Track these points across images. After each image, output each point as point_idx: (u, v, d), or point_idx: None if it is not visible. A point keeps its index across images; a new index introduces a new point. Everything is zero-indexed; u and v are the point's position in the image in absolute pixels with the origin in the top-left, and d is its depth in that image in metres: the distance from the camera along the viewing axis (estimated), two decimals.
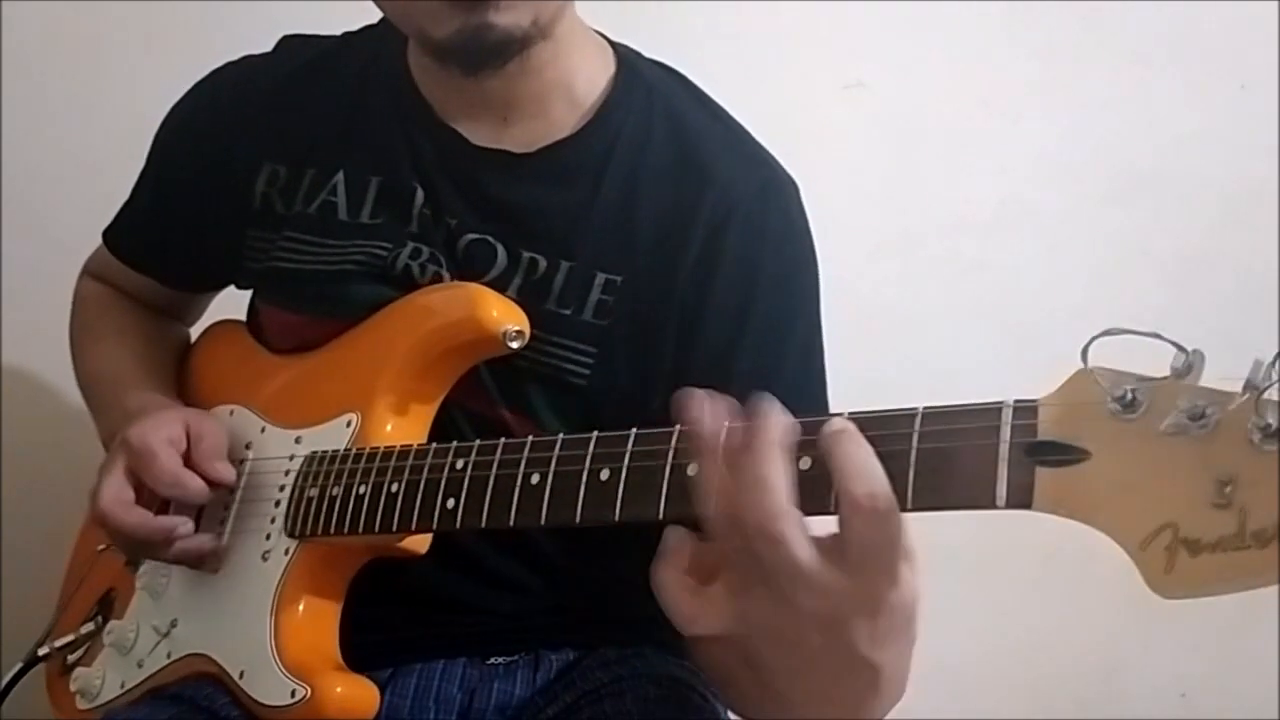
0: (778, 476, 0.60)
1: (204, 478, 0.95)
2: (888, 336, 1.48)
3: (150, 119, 1.13)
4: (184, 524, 0.94)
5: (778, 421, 0.62)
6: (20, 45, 1.50)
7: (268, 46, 1.11)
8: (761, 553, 0.60)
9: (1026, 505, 0.58)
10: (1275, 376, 0.50)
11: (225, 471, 0.96)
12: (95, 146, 1.50)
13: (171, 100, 1.13)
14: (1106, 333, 0.55)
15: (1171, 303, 1.46)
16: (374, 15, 1.01)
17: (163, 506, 0.97)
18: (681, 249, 0.97)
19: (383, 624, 0.99)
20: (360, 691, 0.91)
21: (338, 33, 1.09)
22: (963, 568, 1.48)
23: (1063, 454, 0.57)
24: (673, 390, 0.95)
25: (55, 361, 1.29)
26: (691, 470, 0.67)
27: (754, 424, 0.62)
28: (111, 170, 1.19)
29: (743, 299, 0.98)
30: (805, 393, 1.02)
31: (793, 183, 1.04)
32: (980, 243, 1.50)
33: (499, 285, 0.97)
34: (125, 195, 1.17)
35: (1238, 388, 0.53)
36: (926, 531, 1.53)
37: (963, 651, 1.51)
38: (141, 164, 1.15)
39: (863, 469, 0.59)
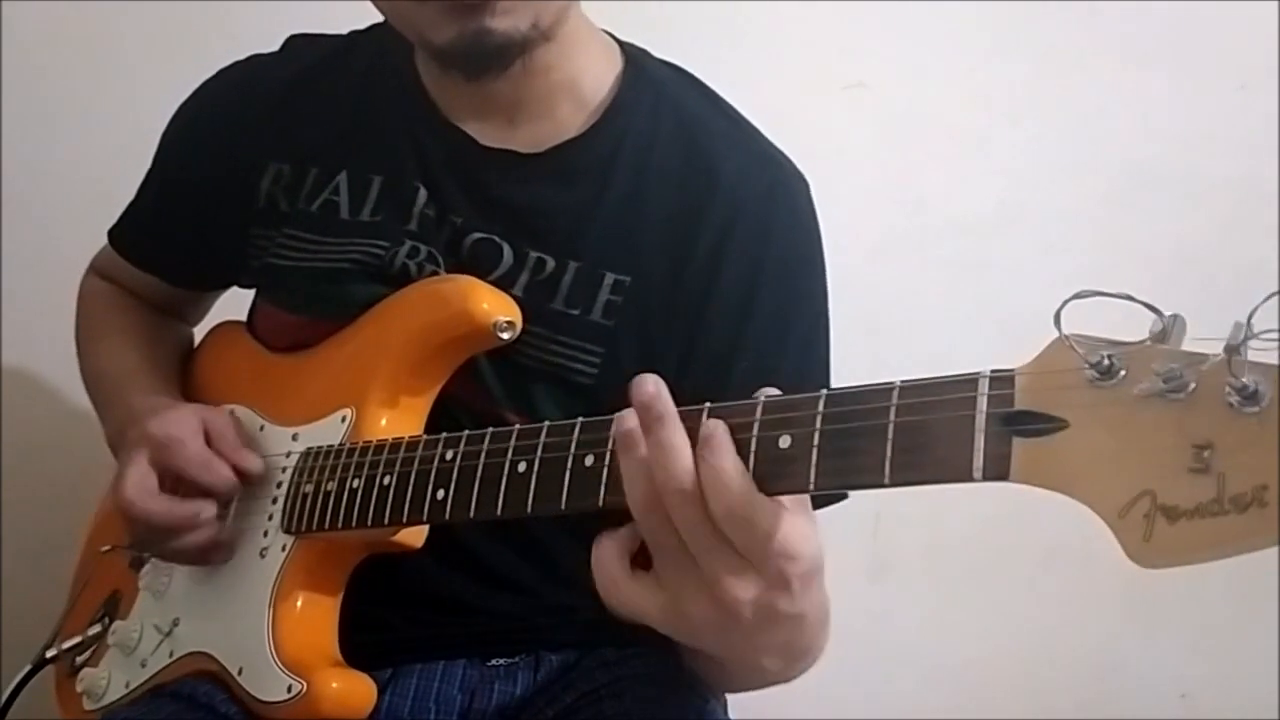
0: (683, 443, 0.65)
1: (234, 468, 0.96)
2: (888, 337, 1.47)
3: (150, 119, 1.14)
4: (208, 508, 0.95)
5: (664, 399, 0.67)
6: (20, 45, 1.51)
7: (268, 47, 1.12)
8: (681, 520, 0.65)
9: (1004, 476, 0.58)
10: (1243, 336, 0.50)
11: (254, 462, 0.97)
12: (95, 146, 1.51)
13: (172, 100, 1.14)
14: (1077, 295, 0.55)
15: (1171, 303, 1.45)
16: (377, 15, 1.01)
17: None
18: (690, 249, 0.98)
19: (383, 625, 0.99)
20: (357, 687, 0.91)
21: (343, 32, 1.10)
22: (962, 568, 1.48)
23: (1040, 423, 0.57)
24: (682, 386, 0.96)
25: (56, 362, 1.30)
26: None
27: (655, 406, 0.67)
28: (112, 170, 1.20)
29: (746, 293, 0.98)
30: (806, 384, 1.02)
31: (803, 180, 1.04)
32: (980, 243, 1.50)
33: (504, 284, 0.97)
34: (125, 195, 1.18)
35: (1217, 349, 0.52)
36: (927, 532, 1.53)
37: (962, 651, 1.50)
38: (141, 163, 1.16)
39: (722, 476, 0.65)
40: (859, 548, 1.50)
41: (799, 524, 0.66)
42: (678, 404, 0.69)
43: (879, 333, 1.46)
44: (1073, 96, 1.50)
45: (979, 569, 1.47)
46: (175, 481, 0.96)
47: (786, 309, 1.00)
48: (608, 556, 0.71)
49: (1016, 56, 1.51)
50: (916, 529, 1.49)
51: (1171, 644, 1.46)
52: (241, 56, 1.13)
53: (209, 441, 0.97)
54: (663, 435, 0.66)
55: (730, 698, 1.06)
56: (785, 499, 0.66)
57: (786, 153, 1.05)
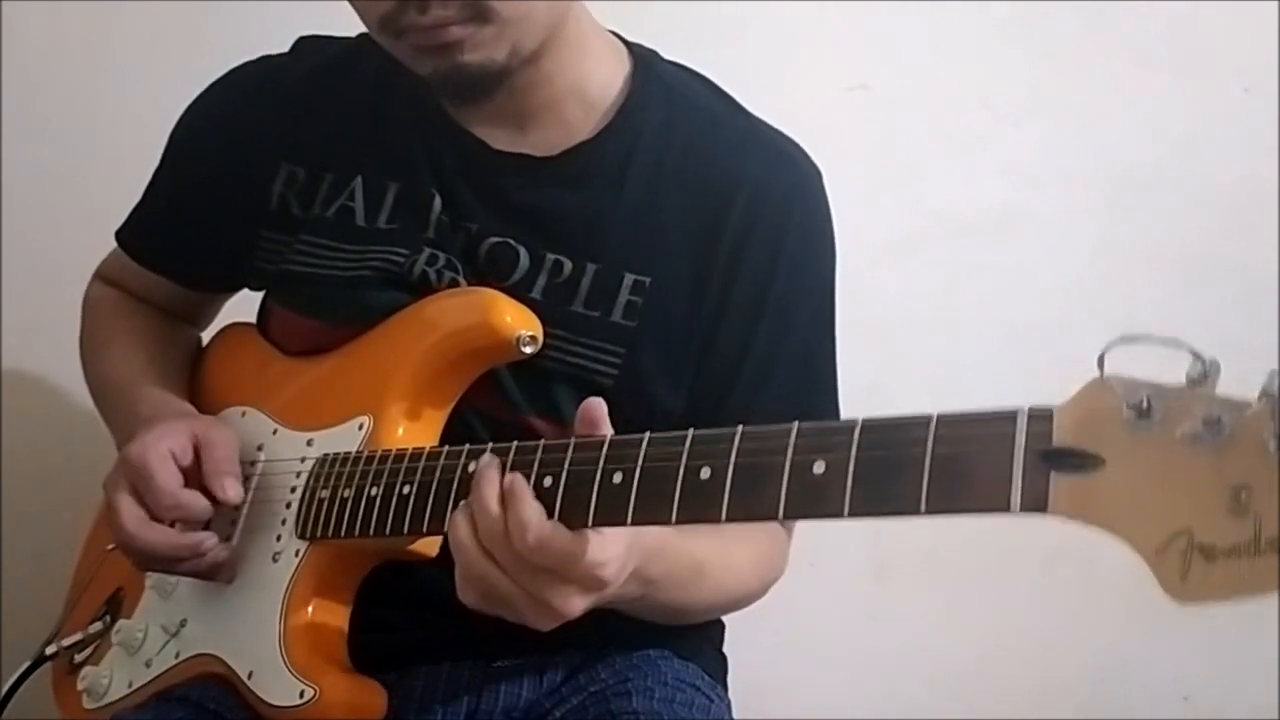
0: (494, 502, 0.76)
1: (210, 494, 0.94)
2: (891, 338, 1.48)
3: (151, 119, 1.13)
4: (209, 538, 0.94)
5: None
6: (20, 46, 1.49)
7: (269, 47, 1.11)
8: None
9: (1041, 509, 0.58)
10: None
11: (232, 491, 0.95)
12: (95, 147, 1.50)
13: (172, 101, 1.13)
14: (1123, 339, 0.55)
15: (1174, 306, 1.46)
16: None
17: None
18: (712, 250, 0.98)
19: (390, 626, 0.99)
20: (367, 693, 0.91)
21: (351, 35, 1.09)
22: (966, 571, 1.49)
23: (1078, 461, 0.58)
24: (694, 386, 0.97)
25: (56, 362, 1.29)
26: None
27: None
28: (112, 171, 1.19)
29: (762, 288, 0.99)
30: (811, 369, 1.05)
31: (818, 174, 1.05)
32: (983, 245, 1.50)
33: (522, 287, 0.97)
34: (125, 196, 1.16)
35: (1253, 394, 0.54)
36: (930, 535, 1.54)
37: (965, 654, 1.51)
38: (141, 164, 1.15)
39: (520, 518, 0.75)
40: (862, 550, 1.51)
41: (602, 534, 0.76)
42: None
43: (882, 334, 1.46)
44: (1076, 99, 1.51)
45: (982, 572, 1.48)
46: None
47: (795, 302, 1.01)
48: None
49: (1020, 58, 1.51)
50: (919, 531, 1.49)
51: (1174, 647, 1.48)
52: (243, 57, 1.12)
53: (198, 460, 0.95)
54: (481, 493, 0.77)
55: (733, 698, 1.07)
56: None
57: (799, 144, 1.06)
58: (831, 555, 1.41)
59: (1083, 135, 1.51)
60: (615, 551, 0.76)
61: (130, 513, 0.93)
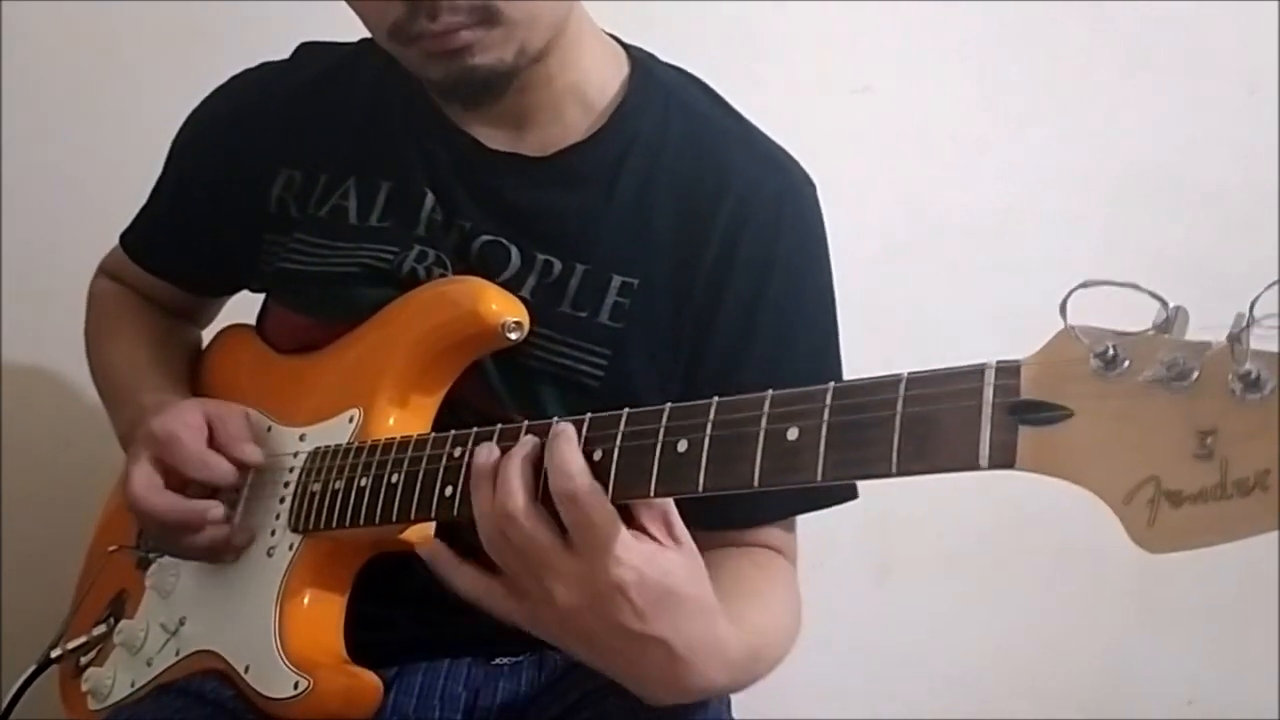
0: (518, 480, 0.74)
1: (232, 459, 0.96)
2: (893, 339, 1.47)
3: (151, 119, 1.15)
4: (216, 507, 0.95)
5: (530, 439, 0.76)
6: (20, 45, 1.52)
7: (271, 46, 1.13)
8: (518, 544, 0.74)
9: (1010, 464, 0.58)
10: (1245, 323, 0.50)
11: (252, 452, 0.97)
12: (95, 147, 1.52)
13: (172, 100, 1.14)
14: (1084, 285, 0.55)
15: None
16: None
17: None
18: (699, 252, 0.98)
19: (389, 623, 0.99)
20: (363, 684, 0.91)
21: (351, 40, 1.10)
22: (969, 572, 1.47)
23: (1045, 412, 0.57)
24: (684, 391, 0.97)
25: (56, 362, 1.31)
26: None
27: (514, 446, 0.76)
28: (112, 171, 1.21)
29: (753, 297, 0.98)
30: (819, 377, 1.03)
31: (811, 184, 1.04)
32: (986, 246, 1.50)
33: (512, 286, 0.97)
34: (125, 195, 1.18)
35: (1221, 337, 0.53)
36: (934, 535, 1.53)
37: (968, 655, 1.50)
38: (141, 164, 1.16)
39: (565, 466, 0.71)
40: (867, 550, 1.50)
41: (652, 546, 0.74)
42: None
43: (884, 335, 1.45)
44: (1078, 101, 1.51)
45: (986, 573, 1.47)
46: (181, 478, 0.96)
47: (793, 314, 1.00)
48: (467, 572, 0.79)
49: (1023, 61, 1.51)
50: (924, 531, 1.49)
51: (1178, 650, 1.46)
52: (244, 56, 1.14)
53: (212, 434, 0.97)
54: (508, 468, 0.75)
55: (734, 697, 1.06)
56: (659, 532, 0.75)
57: (794, 156, 1.06)
58: (837, 555, 1.41)
59: (1086, 137, 1.51)
60: (650, 569, 0.73)
61: (141, 478, 0.95)
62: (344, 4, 0.96)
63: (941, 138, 1.51)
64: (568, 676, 1.00)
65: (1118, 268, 1.48)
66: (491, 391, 0.98)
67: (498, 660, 1.01)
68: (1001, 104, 1.51)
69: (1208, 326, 0.54)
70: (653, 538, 0.75)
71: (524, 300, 0.96)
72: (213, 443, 0.97)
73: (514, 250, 0.99)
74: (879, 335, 1.43)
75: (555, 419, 0.76)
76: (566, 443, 0.73)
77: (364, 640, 0.95)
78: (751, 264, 0.98)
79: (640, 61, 1.05)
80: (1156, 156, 1.50)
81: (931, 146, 1.51)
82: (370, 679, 0.92)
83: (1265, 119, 1.48)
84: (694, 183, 0.99)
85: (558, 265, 0.98)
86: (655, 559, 0.73)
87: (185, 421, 0.97)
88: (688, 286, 0.98)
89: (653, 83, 1.03)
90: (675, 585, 0.74)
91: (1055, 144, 1.51)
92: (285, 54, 1.13)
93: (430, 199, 1.01)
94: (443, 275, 0.99)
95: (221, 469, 0.96)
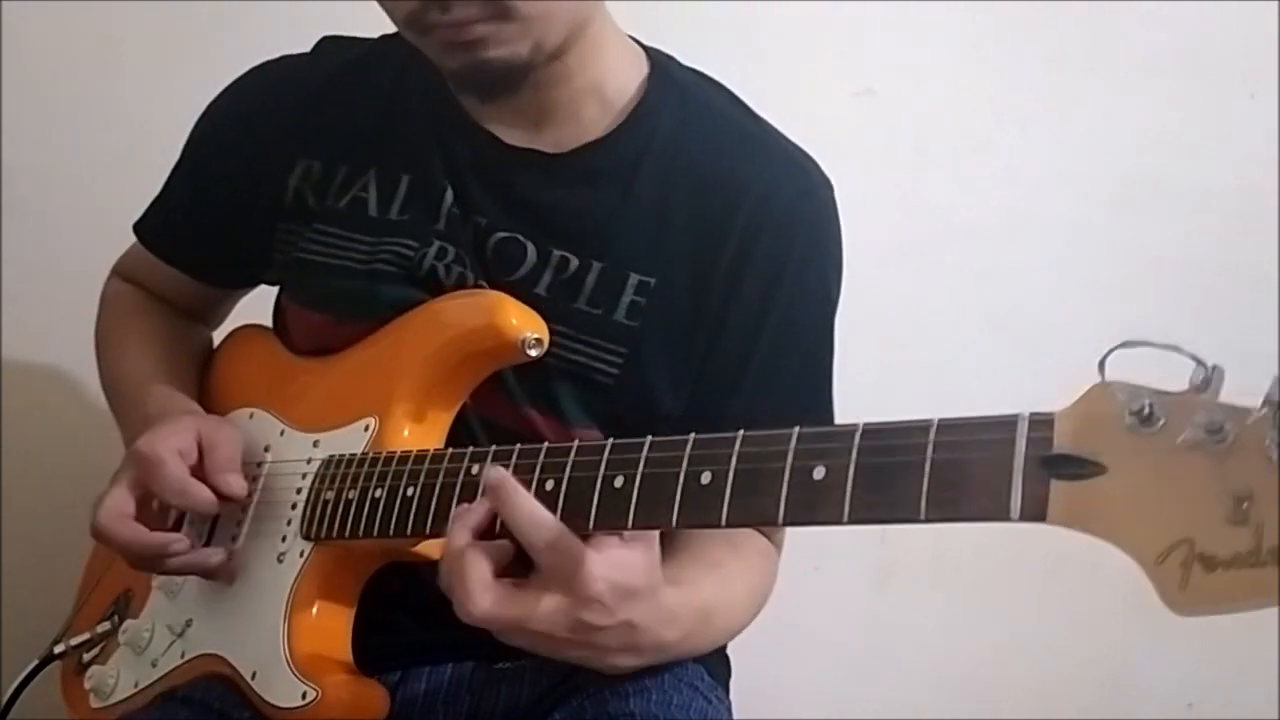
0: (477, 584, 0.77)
1: (214, 490, 0.95)
2: (894, 341, 1.48)
3: (151, 119, 1.14)
4: (178, 541, 0.94)
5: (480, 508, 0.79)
6: (20, 45, 1.50)
7: (273, 47, 1.12)
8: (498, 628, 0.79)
9: (1041, 518, 0.58)
10: None
11: (236, 485, 0.96)
12: (96, 146, 1.50)
13: (173, 100, 1.14)
14: (1125, 344, 0.55)
15: (1179, 312, 1.45)
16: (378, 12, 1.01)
17: (179, 518, 0.98)
18: (716, 251, 0.98)
19: (392, 627, 0.99)
20: (370, 695, 0.92)
21: (372, 36, 1.09)
22: (969, 576, 1.48)
23: (1078, 467, 0.57)
24: (696, 389, 0.97)
25: (57, 362, 1.29)
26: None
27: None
28: (113, 170, 1.19)
29: (766, 295, 0.99)
30: (814, 374, 1.05)
31: (829, 185, 1.05)
32: (988, 250, 1.50)
33: (528, 283, 0.97)
34: (127, 195, 1.17)
35: (1257, 400, 0.53)
36: (934, 540, 1.54)
37: (969, 660, 1.51)
38: (142, 163, 1.15)
39: (527, 517, 0.75)
40: (867, 555, 1.51)
41: (615, 552, 0.76)
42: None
43: (885, 337, 1.47)
44: (1081, 104, 1.50)
45: (986, 577, 1.48)
46: (163, 503, 0.96)
47: (799, 312, 1.01)
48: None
49: (1025, 63, 1.51)
50: (924, 537, 1.48)
51: (1178, 653, 1.47)
52: (244, 56, 1.13)
53: (201, 459, 0.96)
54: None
55: (733, 699, 1.07)
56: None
57: (813, 158, 1.06)
58: (835, 559, 1.42)
59: (1088, 140, 1.50)
60: (625, 576, 0.77)
61: (110, 506, 0.95)
62: (344, 4, 0.95)
63: (942, 141, 1.51)
64: (568, 680, 1.01)
65: (1118, 270, 1.49)
66: (506, 388, 0.98)
67: (500, 664, 1.02)
68: (1003, 107, 1.51)
69: (1244, 390, 0.54)
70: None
71: (540, 297, 0.96)
72: (202, 467, 0.96)
73: (530, 246, 0.99)
74: (880, 337, 1.45)
75: (492, 462, 0.80)
76: (510, 496, 0.76)
77: (367, 643, 0.95)
78: (767, 265, 0.99)
79: (659, 63, 1.05)
80: (1158, 159, 1.50)
81: (933, 149, 1.51)
82: (378, 690, 0.92)
83: (1266, 123, 1.48)
84: (712, 183, 0.99)
85: (574, 262, 0.98)
86: (621, 563, 0.76)
87: (171, 446, 0.95)
88: (705, 285, 0.98)
89: (671, 83, 1.03)
90: (635, 580, 0.77)
91: (1057, 147, 1.51)
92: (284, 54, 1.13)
93: (450, 193, 1.01)
94: (462, 273, 0.99)
95: (200, 498, 0.94)
